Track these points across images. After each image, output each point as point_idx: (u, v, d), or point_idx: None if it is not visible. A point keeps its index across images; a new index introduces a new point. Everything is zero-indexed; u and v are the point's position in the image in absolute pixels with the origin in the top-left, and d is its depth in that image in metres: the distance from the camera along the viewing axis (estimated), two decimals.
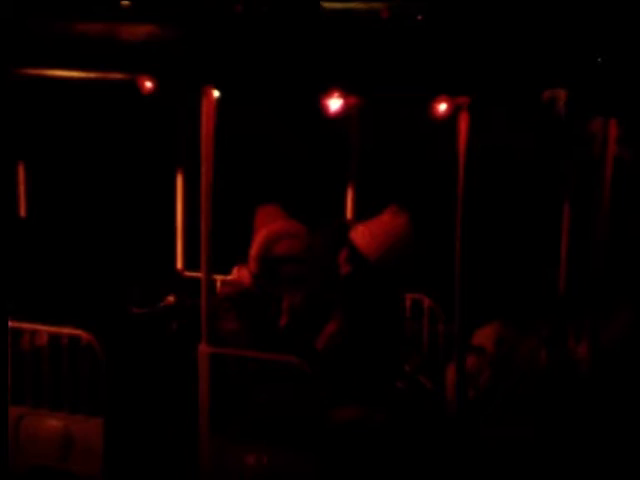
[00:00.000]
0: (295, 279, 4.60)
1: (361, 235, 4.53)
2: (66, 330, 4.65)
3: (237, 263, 4.92)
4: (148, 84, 4.52)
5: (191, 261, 5.56)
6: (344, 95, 4.40)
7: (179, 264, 5.95)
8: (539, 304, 4.41)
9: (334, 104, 4.45)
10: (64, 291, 4.87)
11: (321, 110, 4.40)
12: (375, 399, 4.31)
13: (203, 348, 4.41)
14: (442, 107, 4.30)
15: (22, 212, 5.69)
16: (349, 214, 5.53)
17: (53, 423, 4.71)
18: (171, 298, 5.46)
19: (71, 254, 5.06)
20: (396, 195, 4.65)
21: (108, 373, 4.52)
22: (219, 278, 5.49)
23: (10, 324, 4.52)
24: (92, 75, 4.46)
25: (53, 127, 6.92)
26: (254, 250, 4.70)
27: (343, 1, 5.73)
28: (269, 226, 4.72)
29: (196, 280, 4.76)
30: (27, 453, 4.77)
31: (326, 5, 5.52)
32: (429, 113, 4.36)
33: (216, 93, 4.44)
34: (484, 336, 4.43)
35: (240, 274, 4.92)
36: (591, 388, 4.07)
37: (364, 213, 4.83)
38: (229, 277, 5.17)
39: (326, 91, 4.38)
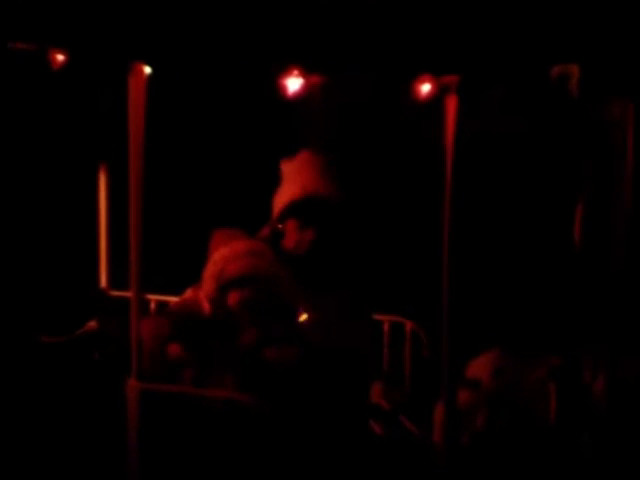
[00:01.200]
0: (258, 305, 4.03)
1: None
2: None
3: (192, 284, 4.29)
4: (60, 57, 3.90)
5: (118, 278, 4.87)
6: (304, 74, 3.91)
7: (103, 281, 5.31)
8: (547, 327, 3.88)
9: (293, 84, 3.95)
10: None
11: (277, 91, 3.88)
12: (340, 446, 3.75)
13: (132, 384, 3.84)
14: (425, 88, 3.84)
15: None
16: None
17: None
18: (93, 323, 4.71)
19: None
20: (369, 193, 4.05)
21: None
22: (153, 298, 4.91)
23: None
24: None
25: None
26: (210, 269, 4.10)
27: None
28: (230, 244, 4.13)
29: (124, 300, 4.13)
30: None
31: None
32: (410, 96, 3.85)
33: (147, 70, 3.83)
34: (480, 367, 3.94)
35: (195, 296, 4.30)
36: (610, 433, 3.60)
37: None
38: (182, 297, 4.55)
39: (283, 69, 3.90)
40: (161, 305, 4.87)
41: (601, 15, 3.89)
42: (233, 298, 4.08)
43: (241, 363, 3.99)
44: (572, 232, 3.85)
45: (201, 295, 4.20)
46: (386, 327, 4.65)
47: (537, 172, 4.08)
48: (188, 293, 4.41)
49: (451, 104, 3.68)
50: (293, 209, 4.13)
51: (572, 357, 3.73)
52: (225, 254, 4.15)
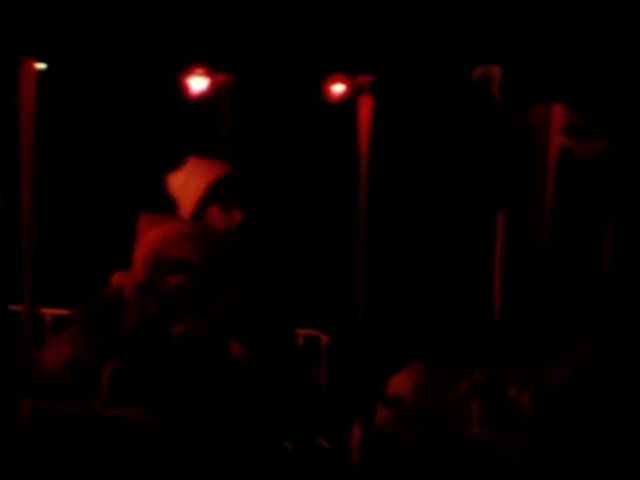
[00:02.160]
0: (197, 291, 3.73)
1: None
2: None
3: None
4: None
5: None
6: (209, 73, 3.65)
7: None
8: (470, 340, 3.71)
9: (197, 84, 3.67)
10: None
11: (181, 90, 3.61)
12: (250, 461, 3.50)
13: (25, 403, 3.43)
14: (338, 89, 3.63)
15: None
16: None
17: None
18: None
19: None
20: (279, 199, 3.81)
21: None
22: (49, 313, 4.52)
23: None
24: None
25: None
26: (144, 251, 3.77)
27: None
28: (167, 225, 3.82)
29: (15, 315, 3.81)
30: None
31: None
32: (324, 96, 3.62)
33: (39, 66, 3.45)
34: (401, 383, 3.67)
35: (120, 281, 3.91)
36: (537, 448, 3.44)
37: None
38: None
39: (186, 67, 3.64)
40: (58, 320, 4.53)
41: (523, 18, 3.74)
42: (169, 283, 3.77)
43: (172, 354, 3.71)
44: (494, 240, 3.70)
45: (127, 281, 3.87)
46: (300, 341, 4.41)
47: (460, 177, 3.90)
48: (115, 278, 4.07)
49: (365, 105, 3.49)
50: (214, 193, 3.86)
51: (496, 370, 3.58)
52: (162, 235, 3.84)
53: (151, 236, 3.80)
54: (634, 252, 3.67)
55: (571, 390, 3.59)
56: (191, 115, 3.96)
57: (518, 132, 3.63)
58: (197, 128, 4.04)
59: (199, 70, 3.60)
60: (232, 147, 3.84)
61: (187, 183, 3.87)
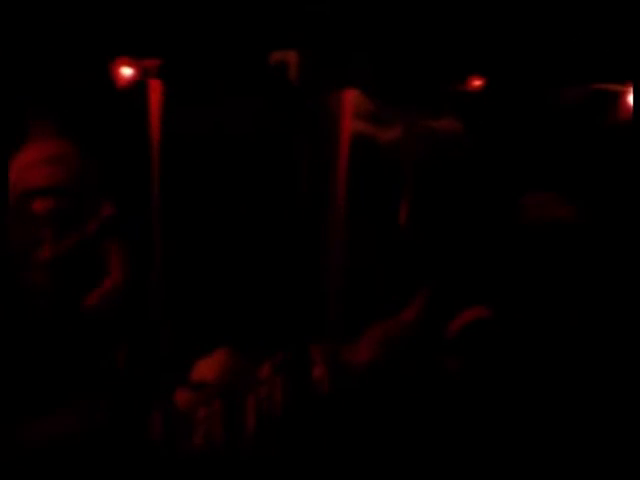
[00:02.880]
0: (58, 219, 3.50)
1: None
2: None
3: None
4: None
5: None
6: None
7: None
8: (272, 324, 3.67)
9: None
10: None
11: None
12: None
13: None
14: (126, 72, 3.51)
15: None
16: None
17: None
18: None
19: None
20: None
21: None
22: None
23: None
24: None
25: None
26: (10, 179, 3.56)
27: None
28: (25, 149, 3.60)
29: None
30: None
31: None
32: (110, 81, 3.48)
33: None
34: (207, 367, 3.65)
35: None
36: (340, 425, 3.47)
37: None
38: None
39: None
40: None
41: (319, 5, 3.74)
42: (37, 207, 3.56)
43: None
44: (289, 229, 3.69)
45: None
46: None
47: (261, 165, 3.86)
48: None
49: (154, 91, 3.38)
50: None
51: (299, 350, 3.58)
52: (19, 161, 3.61)
53: (10, 164, 3.62)
54: (423, 231, 3.75)
55: (372, 367, 3.65)
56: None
57: (314, 117, 3.63)
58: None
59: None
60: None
61: None
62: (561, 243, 3.82)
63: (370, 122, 3.92)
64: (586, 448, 3.30)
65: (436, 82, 3.69)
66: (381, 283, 3.85)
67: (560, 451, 3.34)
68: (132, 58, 3.35)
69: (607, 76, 3.52)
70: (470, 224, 3.86)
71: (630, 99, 3.47)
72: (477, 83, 3.56)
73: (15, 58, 3.62)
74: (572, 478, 3.28)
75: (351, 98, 3.54)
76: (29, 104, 3.72)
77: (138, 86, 3.38)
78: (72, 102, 3.74)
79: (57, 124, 3.75)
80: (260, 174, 3.76)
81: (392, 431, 3.45)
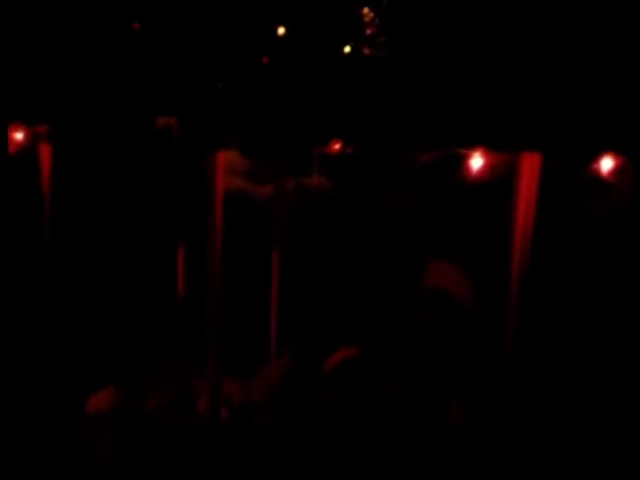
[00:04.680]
0: None
1: None
2: None
3: None
4: None
5: None
6: None
7: None
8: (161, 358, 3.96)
9: None
10: None
11: None
12: None
13: None
14: (19, 136, 3.83)
15: None
16: None
17: None
18: None
19: None
20: None
21: None
22: None
23: None
24: None
25: None
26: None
27: None
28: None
29: None
30: None
31: None
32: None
33: None
34: (100, 400, 3.88)
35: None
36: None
37: None
38: None
39: None
40: None
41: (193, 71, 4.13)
42: None
43: None
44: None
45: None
46: None
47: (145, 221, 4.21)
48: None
49: (45, 153, 3.72)
50: None
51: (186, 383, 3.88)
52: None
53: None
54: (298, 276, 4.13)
55: (264, 405, 3.96)
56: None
57: (195, 173, 4.00)
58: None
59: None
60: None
61: None
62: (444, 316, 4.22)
63: (248, 179, 4.31)
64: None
65: (304, 146, 4.12)
66: (259, 328, 4.20)
67: None
68: (24, 124, 3.69)
69: (455, 143, 4.00)
70: (340, 274, 4.26)
71: (473, 162, 3.95)
72: (337, 147, 4.00)
73: None
74: None
75: (223, 158, 3.94)
76: None
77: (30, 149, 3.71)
78: None
79: None
80: (144, 224, 4.10)
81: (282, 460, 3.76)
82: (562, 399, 3.84)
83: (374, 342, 4.17)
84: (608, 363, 3.87)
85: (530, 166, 3.80)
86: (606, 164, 3.79)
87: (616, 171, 3.80)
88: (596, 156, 3.79)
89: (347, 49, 4.11)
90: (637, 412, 3.74)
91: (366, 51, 4.13)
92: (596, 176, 3.80)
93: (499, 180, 3.89)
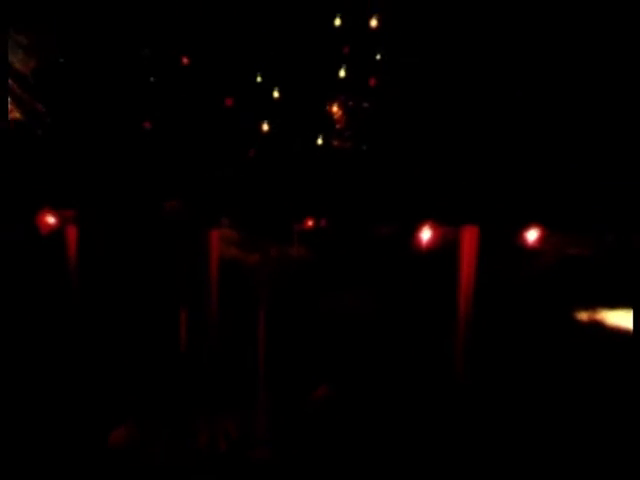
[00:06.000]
0: None
1: None
2: None
3: None
4: None
5: None
6: None
7: None
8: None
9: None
10: None
11: None
12: None
13: None
14: (50, 220, 4.62)
15: None
16: None
17: None
18: None
19: None
20: None
21: None
22: None
23: None
24: None
25: None
26: None
27: None
28: None
29: None
30: None
31: None
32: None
33: None
34: (118, 437, 4.47)
35: None
36: None
37: None
38: None
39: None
40: None
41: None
42: None
43: None
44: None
45: None
46: None
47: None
48: None
49: (71, 234, 4.53)
50: None
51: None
52: None
53: None
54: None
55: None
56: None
57: (196, 246, 4.81)
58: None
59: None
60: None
61: None
62: None
63: (240, 248, 5.12)
64: None
65: (284, 222, 4.94)
66: (250, 370, 4.96)
67: None
68: (54, 209, 4.49)
69: (407, 218, 4.83)
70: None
71: (423, 233, 4.77)
72: (310, 223, 4.83)
73: None
74: None
75: (218, 233, 4.77)
76: None
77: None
78: None
79: None
80: (154, 286, 4.89)
81: None
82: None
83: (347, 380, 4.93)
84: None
85: (470, 236, 4.64)
86: (532, 234, 4.62)
87: (539, 239, 4.62)
88: (523, 227, 4.61)
89: (319, 141, 4.95)
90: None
91: (335, 142, 4.97)
92: (523, 243, 4.62)
93: (446, 246, 4.73)
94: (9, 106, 4.63)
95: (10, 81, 4.57)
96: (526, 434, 4.39)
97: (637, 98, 4.56)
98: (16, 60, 4.55)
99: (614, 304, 4.67)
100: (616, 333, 4.68)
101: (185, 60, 4.84)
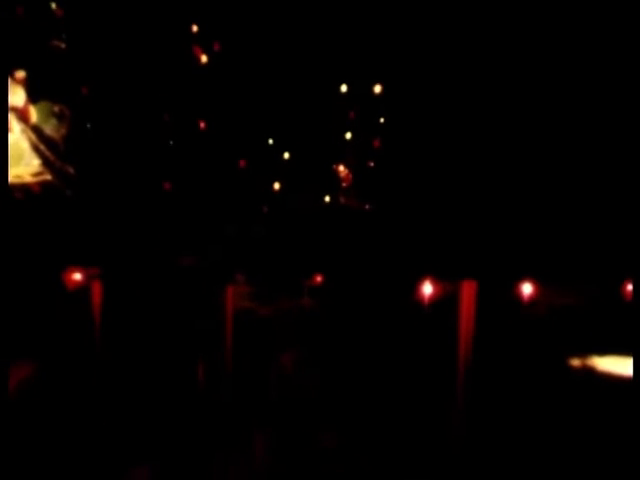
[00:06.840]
0: None
1: None
2: None
3: None
4: None
5: None
6: None
7: None
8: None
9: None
10: None
11: None
12: None
13: None
14: (77, 277, 4.95)
15: None
16: None
17: None
18: None
19: None
20: None
21: None
22: None
23: None
24: None
25: None
26: None
27: None
28: None
29: None
30: None
31: None
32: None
33: None
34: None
35: None
36: None
37: None
38: None
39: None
40: None
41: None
42: None
43: None
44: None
45: None
46: None
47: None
48: None
49: (96, 289, 4.85)
50: None
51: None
52: None
53: None
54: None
55: None
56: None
57: (213, 299, 5.13)
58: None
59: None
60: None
61: None
62: None
63: (253, 301, 5.44)
64: None
65: (296, 278, 5.26)
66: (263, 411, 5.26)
67: None
68: (80, 267, 4.81)
69: (409, 273, 5.16)
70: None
71: (425, 287, 5.10)
72: (319, 279, 5.17)
73: None
74: None
75: (232, 290, 5.09)
76: None
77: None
78: None
79: None
80: (174, 336, 5.20)
81: None
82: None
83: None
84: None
85: (468, 290, 4.95)
86: (527, 288, 4.93)
87: (534, 292, 4.93)
88: (518, 282, 4.92)
89: (327, 198, 5.29)
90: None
91: (342, 200, 5.31)
92: (518, 297, 4.93)
93: (446, 299, 5.04)
94: (40, 168, 4.98)
95: (42, 146, 4.91)
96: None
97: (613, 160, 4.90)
98: (48, 128, 4.91)
99: (604, 350, 4.98)
100: (607, 379, 4.98)
101: (202, 124, 5.19)
